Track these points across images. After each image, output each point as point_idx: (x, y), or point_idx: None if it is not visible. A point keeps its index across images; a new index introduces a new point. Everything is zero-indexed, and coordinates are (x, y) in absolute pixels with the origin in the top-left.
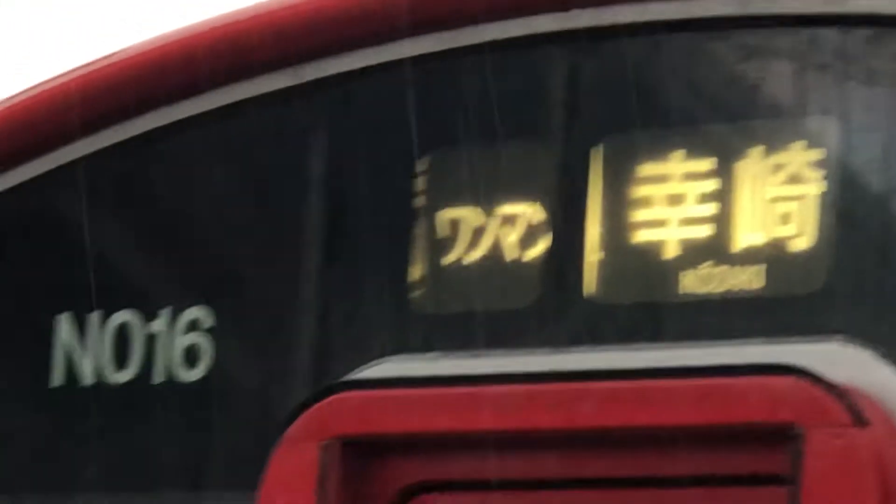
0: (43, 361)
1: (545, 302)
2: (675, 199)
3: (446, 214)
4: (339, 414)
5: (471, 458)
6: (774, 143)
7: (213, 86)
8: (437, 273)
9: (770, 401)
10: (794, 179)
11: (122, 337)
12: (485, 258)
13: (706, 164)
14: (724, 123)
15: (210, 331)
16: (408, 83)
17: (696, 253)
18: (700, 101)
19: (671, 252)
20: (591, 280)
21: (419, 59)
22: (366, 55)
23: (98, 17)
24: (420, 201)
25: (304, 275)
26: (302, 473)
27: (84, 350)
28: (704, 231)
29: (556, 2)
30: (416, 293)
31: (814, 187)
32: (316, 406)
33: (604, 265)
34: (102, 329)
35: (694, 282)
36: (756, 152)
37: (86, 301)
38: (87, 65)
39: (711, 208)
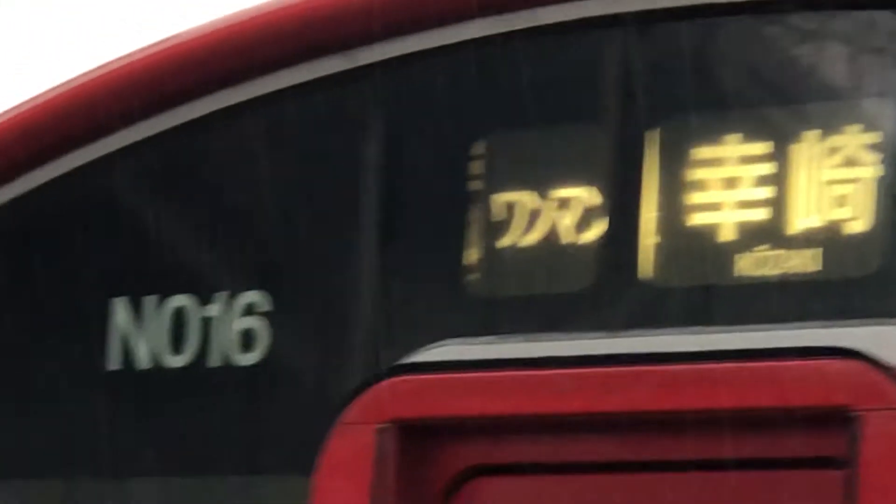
0: (99, 346)
1: (600, 285)
2: (731, 182)
3: (502, 198)
4: (395, 398)
5: (527, 442)
6: (830, 126)
7: (268, 70)
8: (493, 256)
9: (826, 384)
10: (850, 162)
11: (178, 321)
12: (540, 241)
13: (762, 147)
14: (780, 106)
15: (266, 315)
16: (463, 67)
17: (751, 236)
18: (756, 84)
19: (726, 235)
20: (646, 263)
21: (474, 43)
22: (421, 39)
23: (98, 17)
24: (476, 185)
25: (360, 258)
26: (358, 457)
27: (140, 334)
28: (760, 214)
29: None
30: (472, 277)
31: (869, 170)
32: (372, 390)
33: (659, 248)
34: (158, 313)
35: (749, 265)
36: (812, 135)
37: (142, 285)
38: (145, 48)
39: (767, 191)
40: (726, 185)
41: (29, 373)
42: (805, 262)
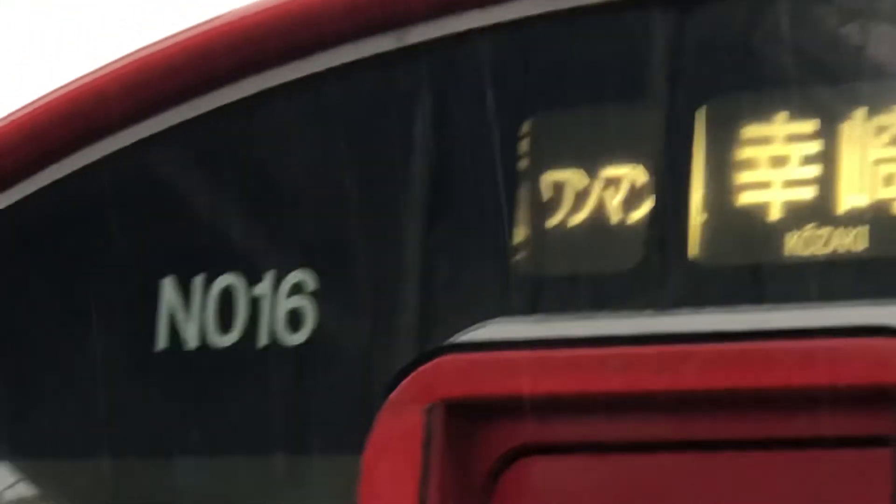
0: (147, 325)
1: (648, 264)
2: (779, 161)
3: (550, 177)
4: (443, 377)
5: (575, 421)
6: (878, 105)
7: (316, 50)
8: (541, 235)
9: (874, 362)
10: None
11: (226, 300)
12: (588, 220)
13: (809, 125)
14: (828, 85)
15: (314, 294)
16: (512, 46)
17: (799, 215)
18: (803, 63)
19: (774, 214)
20: (694, 242)
21: (523, 22)
22: (470, 18)
23: (98, 17)
24: (523, 164)
25: (407, 238)
26: (406, 437)
27: (188, 314)
28: (808, 193)
29: None
30: (520, 256)
31: None
32: (420, 369)
33: (707, 227)
34: (206, 292)
35: (797, 243)
36: (859, 114)
37: (190, 265)
38: (192, 28)
39: (815, 170)
40: (774, 164)
41: (78, 353)
42: (853, 240)
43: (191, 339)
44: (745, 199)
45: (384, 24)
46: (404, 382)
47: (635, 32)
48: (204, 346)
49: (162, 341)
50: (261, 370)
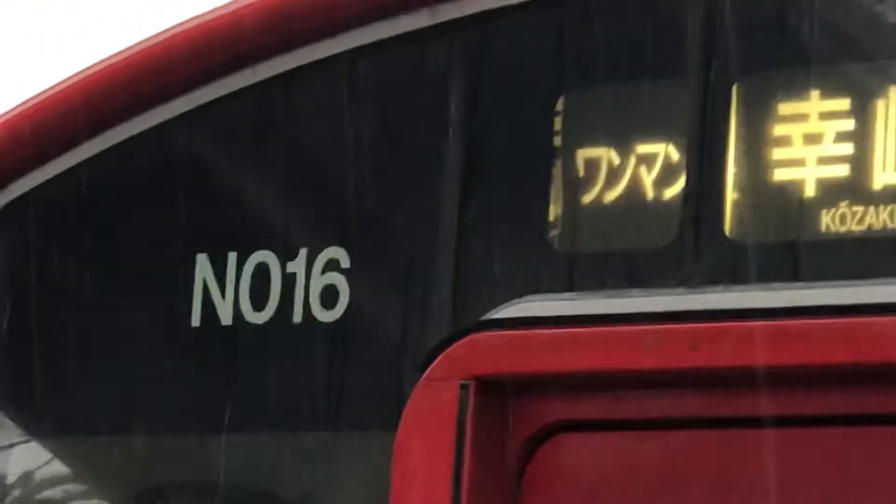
0: (182, 302)
1: (682, 241)
2: (813, 138)
3: (584, 154)
4: (477, 354)
5: (609, 398)
6: None
7: (350, 26)
8: (575, 212)
9: None
10: None
11: (260, 277)
12: (622, 197)
13: (844, 102)
14: (862, 62)
15: (348, 271)
16: (546, 22)
17: (833, 192)
18: (838, 40)
19: (809, 191)
20: (728, 219)
21: None
22: None
23: (98, 17)
24: (558, 141)
25: (441, 214)
26: (440, 413)
27: (222, 290)
28: (842, 170)
29: None
30: (554, 233)
31: None
32: (454, 346)
33: (741, 204)
34: (240, 269)
35: (831, 220)
36: (894, 91)
37: (224, 242)
38: (226, 5)
39: (849, 147)
40: (808, 141)
41: (112, 330)
42: (888, 217)
43: (225, 316)
44: (780, 175)
45: (418, 1)
46: (438, 359)
47: (670, 8)
48: (238, 323)
49: (196, 318)
50: (295, 347)
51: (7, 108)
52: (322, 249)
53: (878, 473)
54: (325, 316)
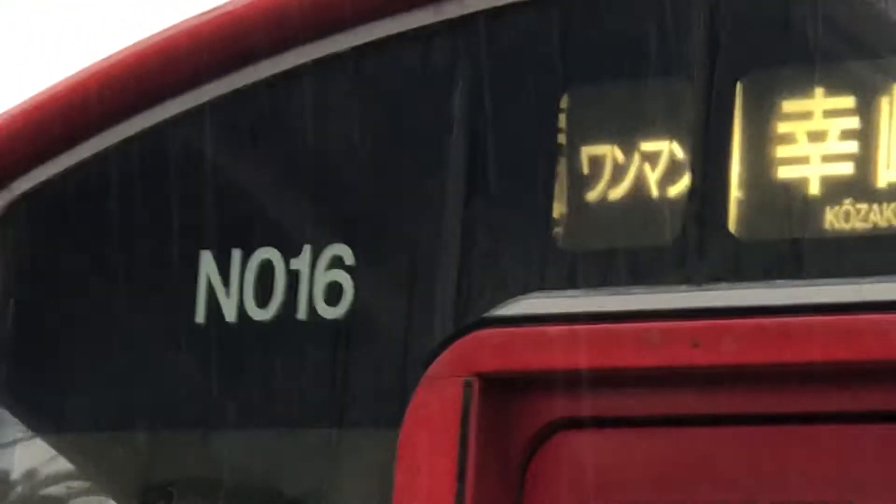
0: (187, 299)
1: (686, 238)
2: (818, 136)
3: (588, 151)
4: (480, 351)
5: (612, 395)
6: None
7: (354, 24)
8: (579, 209)
9: None
10: None
11: (265, 274)
12: (626, 195)
13: (848, 100)
14: (866, 60)
15: (352, 268)
16: (550, 20)
17: (837, 189)
18: (842, 38)
19: (813, 188)
20: (732, 216)
21: None
22: None
23: (98, 17)
24: (562, 138)
25: (445, 212)
26: (444, 410)
27: (227, 287)
28: (846, 168)
29: None
30: (559, 230)
31: None
32: (458, 343)
33: (745, 202)
34: (245, 266)
35: (836, 218)
36: None
37: (229, 239)
38: (222, 5)
39: (853, 145)
40: (812, 139)
41: (117, 327)
42: (891, 215)
43: (229, 313)
44: (784, 173)
45: None
46: (442, 356)
47: (675, 6)
48: (242, 320)
49: (201, 315)
50: (299, 343)
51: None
52: (326, 246)
53: (879, 470)
54: (329, 313)
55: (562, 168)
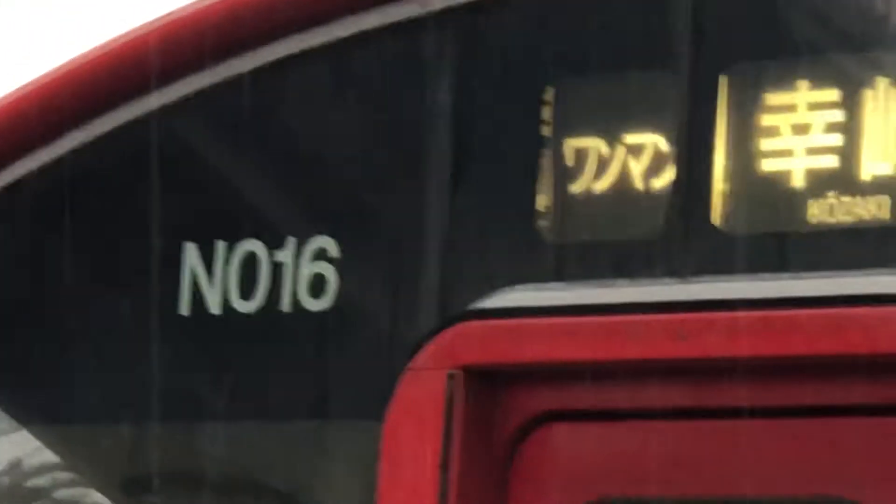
0: (171, 291)
1: (670, 231)
2: (802, 129)
3: (573, 144)
4: (464, 343)
5: (596, 388)
6: None
7: (340, 16)
8: (563, 202)
9: None
10: None
11: (249, 266)
12: (611, 188)
13: (832, 93)
14: (851, 53)
15: (336, 260)
16: (535, 12)
17: (822, 182)
18: (827, 31)
19: (797, 182)
20: (717, 210)
21: None
22: None
23: (98, 17)
24: (547, 131)
25: (430, 204)
26: (428, 403)
27: (211, 279)
28: (831, 161)
29: None
30: (543, 222)
31: None
32: (442, 335)
33: (730, 195)
34: (229, 258)
35: (820, 211)
36: (882, 82)
37: (212, 230)
38: None
39: (837, 138)
40: (797, 132)
41: (101, 319)
42: (876, 208)
43: (214, 305)
44: (768, 166)
45: None
46: (426, 348)
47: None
48: (227, 312)
49: (185, 307)
50: (283, 336)
51: None
52: (310, 238)
53: (863, 463)
54: (314, 305)
55: (546, 161)
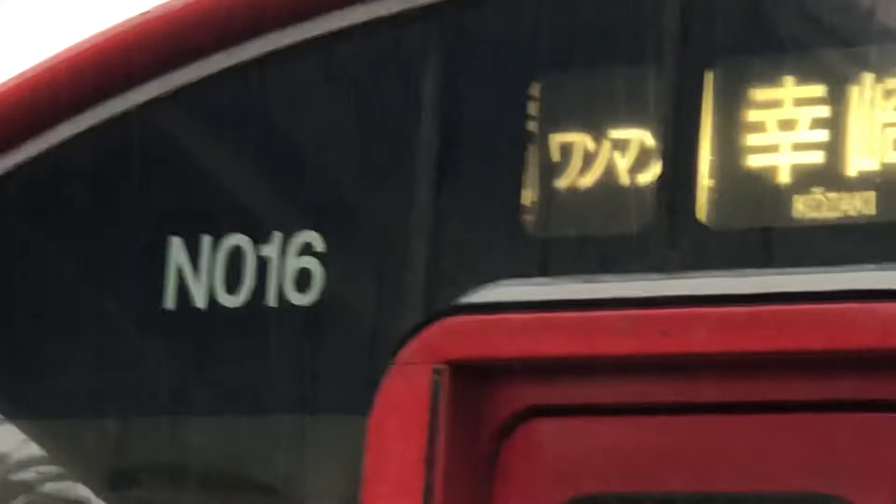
0: (156, 285)
1: (656, 227)
2: (787, 124)
3: (559, 138)
4: (450, 338)
5: (581, 383)
6: (886, 69)
7: (326, 10)
8: (549, 197)
9: (882, 326)
10: None
11: (235, 260)
12: (596, 183)
13: (818, 89)
14: (837, 49)
15: (322, 255)
16: (520, 8)
17: (807, 178)
18: (812, 26)
19: (783, 177)
20: (702, 205)
21: None
22: None
23: (98, 17)
24: (533, 125)
25: (415, 199)
26: (413, 397)
27: (197, 273)
28: (816, 156)
29: None
30: (528, 217)
31: None
32: (427, 330)
33: (715, 190)
34: (215, 252)
35: (805, 207)
36: (868, 78)
37: (198, 225)
38: None
39: (823, 134)
40: (783, 127)
41: (86, 312)
42: (861, 204)
43: (199, 299)
44: (754, 162)
45: None
46: (411, 343)
47: None
48: (212, 306)
49: (170, 301)
50: (268, 330)
51: None
52: (296, 233)
53: (848, 458)
54: (299, 299)
55: (532, 156)
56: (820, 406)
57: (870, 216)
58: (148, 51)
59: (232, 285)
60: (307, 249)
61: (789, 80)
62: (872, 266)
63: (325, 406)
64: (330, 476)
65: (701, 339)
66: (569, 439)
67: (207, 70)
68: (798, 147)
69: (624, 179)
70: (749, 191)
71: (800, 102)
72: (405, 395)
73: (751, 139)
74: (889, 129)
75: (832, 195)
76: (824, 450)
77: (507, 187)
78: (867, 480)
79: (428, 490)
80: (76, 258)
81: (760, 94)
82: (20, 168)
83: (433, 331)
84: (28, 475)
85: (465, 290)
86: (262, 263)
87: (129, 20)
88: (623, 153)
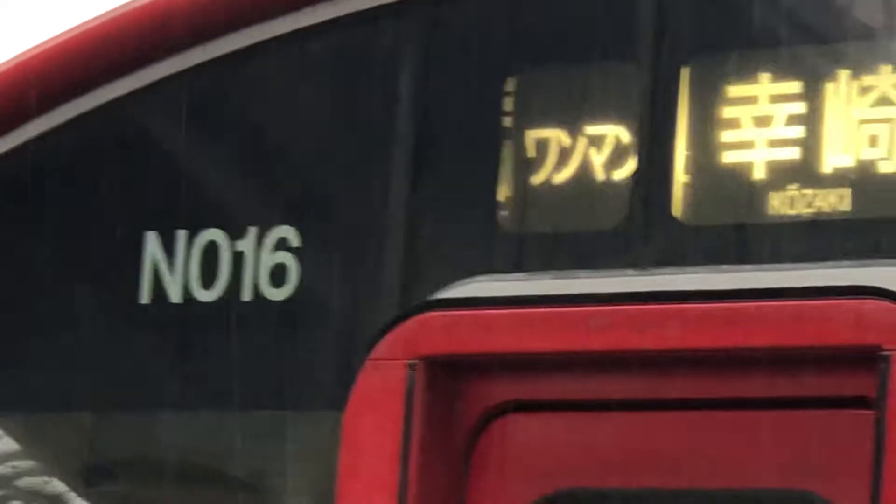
0: (131, 279)
1: (631, 223)
2: (763, 121)
3: (535, 134)
4: (425, 333)
5: (556, 379)
6: (862, 66)
7: (301, 5)
8: (524, 193)
9: (856, 323)
10: (882, 101)
11: (210, 255)
12: (572, 178)
13: (794, 85)
14: (812, 45)
15: (297, 250)
16: (495, 3)
17: (783, 174)
18: (788, 23)
19: (758, 173)
20: (677, 201)
21: None
22: None
23: (98, 16)
24: (508, 121)
25: (391, 194)
26: (388, 393)
27: (172, 268)
28: (792, 153)
29: None
30: (504, 213)
31: None
32: (402, 325)
33: (691, 186)
34: (190, 247)
35: (780, 203)
36: (844, 74)
37: (173, 219)
38: None
39: (799, 130)
40: (758, 124)
41: (61, 306)
42: (836, 201)
43: (174, 294)
44: (729, 158)
45: None
46: (386, 338)
47: None
48: (187, 301)
49: (145, 295)
50: (244, 325)
51: None
52: (271, 228)
53: (821, 455)
54: (275, 294)
55: (507, 151)
56: (794, 402)
57: (845, 212)
58: (122, 46)
59: (207, 280)
60: (282, 244)
61: (765, 77)
62: (848, 262)
63: (299, 401)
64: (305, 471)
65: (676, 335)
66: (544, 435)
67: (183, 65)
68: (773, 143)
69: (599, 175)
70: (724, 187)
71: (775, 99)
72: (380, 391)
73: (726, 135)
74: (864, 126)
75: (808, 191)
76: (798, 446)
77: (482, 183)
78: (839, 476)
79: (403, 485)
80: (50, 253)
81: (736, 90)
82: None
83: (408, 326)
84: (3, 470)
85: (440, 285)
86: (238, 258)
87: (101, 15)
88: (598, 149)
